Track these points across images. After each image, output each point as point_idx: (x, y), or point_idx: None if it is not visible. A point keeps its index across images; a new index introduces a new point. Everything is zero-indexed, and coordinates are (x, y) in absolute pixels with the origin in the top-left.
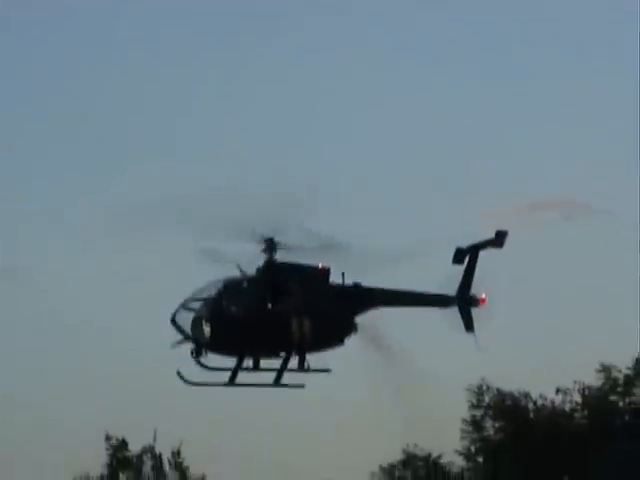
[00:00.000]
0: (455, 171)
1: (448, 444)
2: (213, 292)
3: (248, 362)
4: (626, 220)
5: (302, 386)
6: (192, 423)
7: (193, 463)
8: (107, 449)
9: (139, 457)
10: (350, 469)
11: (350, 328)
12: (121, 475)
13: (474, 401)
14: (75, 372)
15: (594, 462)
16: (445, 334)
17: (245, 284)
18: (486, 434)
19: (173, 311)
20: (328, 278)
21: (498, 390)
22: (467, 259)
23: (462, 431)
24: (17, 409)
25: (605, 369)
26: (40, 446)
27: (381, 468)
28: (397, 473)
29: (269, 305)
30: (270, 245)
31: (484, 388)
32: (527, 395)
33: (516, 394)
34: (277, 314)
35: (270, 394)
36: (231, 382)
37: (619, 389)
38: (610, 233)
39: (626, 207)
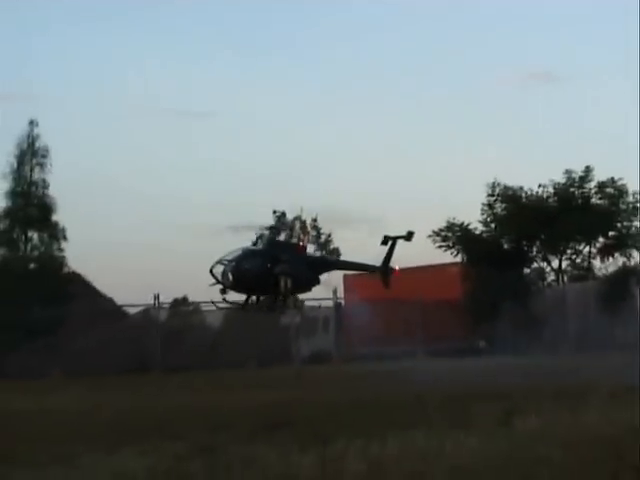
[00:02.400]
0: None
1: None
2: (236, 255)
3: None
4: None
5: (282, 313)
6: None
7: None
8: (274, 218)
9: (292, 221)
10: None
11: (316, 282)
12: (282, 232)
13: None
14: None
15: None
16: None
17: (255, 252)
18: None
19: (210, 265)
20: (305, 251)
21: None
22: (389, 244)
23: None
24: None
25: None
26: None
27: None
28: None
29: (268, 266)
30: (273, 231)
31: None
32: None
33: None
34: (272, 272)
35: None
36: (242, 308)
37: None
38: None
39: None
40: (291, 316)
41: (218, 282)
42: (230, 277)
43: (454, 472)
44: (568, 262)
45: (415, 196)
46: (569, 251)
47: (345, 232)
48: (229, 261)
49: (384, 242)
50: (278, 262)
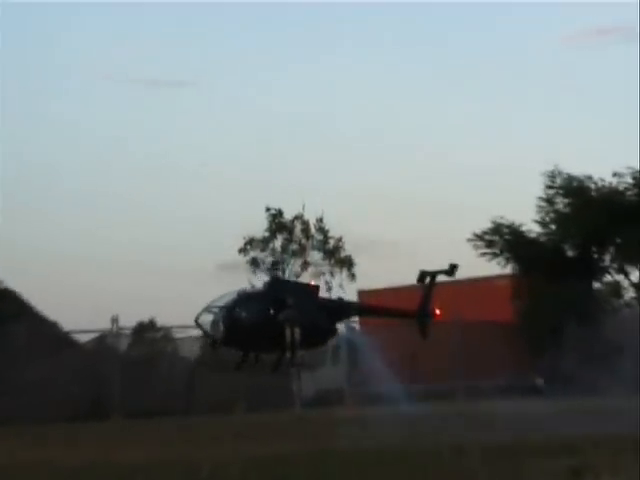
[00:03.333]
0: None
1: None
2: (228, 300)
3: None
4: None
5: (291, 374)
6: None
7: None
8: (267, 217)
9: (291, 222)
10: None
11: (332, 333)
12: (278, 236)
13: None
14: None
15: None
16: None
17: (253, 295)
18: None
19: (197, 314)
20: (317, 293)
21: None
22: (428, 281)
23: None
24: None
25: None
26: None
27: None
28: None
29: (271, 313)
30: (276, 266)
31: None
32: None
33: None
34: (276, 321)
35: None
36: (237, 369)
37: None
38: None
39: None
40: None
41: (206, 335)
42: (222, 328)
43: None
44: None
45: (451, 189)
46: None
47: (359, 234)
48: (220, 308)
49: (420, 279)
50: (283, 307)
